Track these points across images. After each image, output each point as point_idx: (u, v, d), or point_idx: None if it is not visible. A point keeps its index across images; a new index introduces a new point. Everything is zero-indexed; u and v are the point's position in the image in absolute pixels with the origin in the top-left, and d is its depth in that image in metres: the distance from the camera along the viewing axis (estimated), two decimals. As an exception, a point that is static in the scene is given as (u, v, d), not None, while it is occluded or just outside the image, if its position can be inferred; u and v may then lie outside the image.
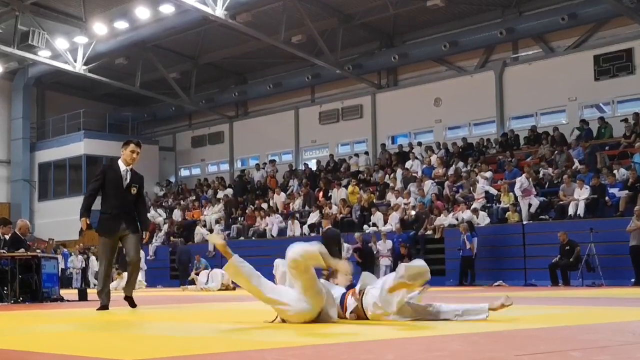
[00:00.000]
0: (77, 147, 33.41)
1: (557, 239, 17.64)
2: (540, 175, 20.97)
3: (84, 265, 27.70)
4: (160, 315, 7.81)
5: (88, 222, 8.79)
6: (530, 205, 19.31)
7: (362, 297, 5.74)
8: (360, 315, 5.68)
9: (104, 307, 8.69)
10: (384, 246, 20.87)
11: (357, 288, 5.80)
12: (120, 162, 8.93)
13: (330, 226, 19.70)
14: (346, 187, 24.96)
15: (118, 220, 8.79)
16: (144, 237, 9.29)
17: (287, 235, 24.45)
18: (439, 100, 26.93)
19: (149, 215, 30.36)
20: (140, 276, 22.69)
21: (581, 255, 17.26)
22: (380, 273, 20.71)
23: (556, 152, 21.58)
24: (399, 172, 24.66)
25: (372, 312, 5.68)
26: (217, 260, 25.06)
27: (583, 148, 21.26)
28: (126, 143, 9.04)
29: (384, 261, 20.79)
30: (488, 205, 20.81)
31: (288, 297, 5.49)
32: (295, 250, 5.44)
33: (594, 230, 17.23)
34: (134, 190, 8.93)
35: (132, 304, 8.97)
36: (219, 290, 19.08)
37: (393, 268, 20.48)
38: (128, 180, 8.86)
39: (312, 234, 22.56)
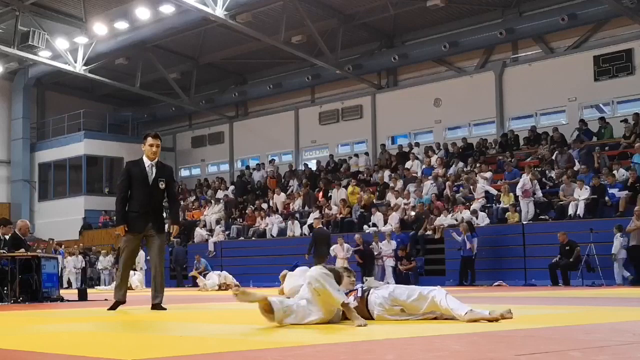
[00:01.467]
0: (77, 147, 33.44)
1: (557, 239, 17.66)
2: (545, 177, 20.93)
3: (83, 266, 27.71)
4: (160, 316, 7.81)
5: (127, 228, 8.46)
6: (527, 210, 19.32)
7: (366, 297, 5.81)
8: (362, 314, 5.71)
9: (119, 303, 8.50)
10: (388, 246, 20.81)
11: (360, 290, 5.88)
12: (144, 158, 8.62)
13: (321, 226, 20.00)
14: (346, 187, 24.97)
15: (145, 219, 8.50)
16: (172, 231, 8.91)
17: (287, 235, 24.47)
18: (439, 100, 26.94)
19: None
20: (137, 279, 22.69)
21: (581, 255, 17.27)
22: (385, 274, 20.73)
23: (556, 152, 21.59)
24: (387, 173, 24.72)
25: (377, 313, 5.76)
26: (217, 261, 25.13)
27: (579, 148, 21.27)
28: (144, 137, 8.71)
29: (389, 262, 20.74)
30: (488, 205, 20.82)
31: (309, 311, 5.55)
32: (319, 280, 5.45)
33: (594, 230, 17.24)
34: (161, 185, 8.56)
35: (161, 308, 8.47)
36: (218, 289, 19.12)
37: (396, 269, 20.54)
38: (154, 175, 8.53)
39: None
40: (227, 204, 28.59)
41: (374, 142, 28.77)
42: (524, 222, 19.29)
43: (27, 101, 34.42)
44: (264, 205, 27.01)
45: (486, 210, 20.50)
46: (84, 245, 30.04)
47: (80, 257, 27.80)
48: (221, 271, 20.66)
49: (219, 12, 22.84)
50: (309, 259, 17.71)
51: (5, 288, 11.40)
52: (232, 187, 30.42)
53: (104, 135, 34.01)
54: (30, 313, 8.86)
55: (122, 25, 26.37)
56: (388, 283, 6.37)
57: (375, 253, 20.92)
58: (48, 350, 4.33)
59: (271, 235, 25.03)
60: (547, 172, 21.13)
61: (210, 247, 26.30)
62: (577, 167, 20.44)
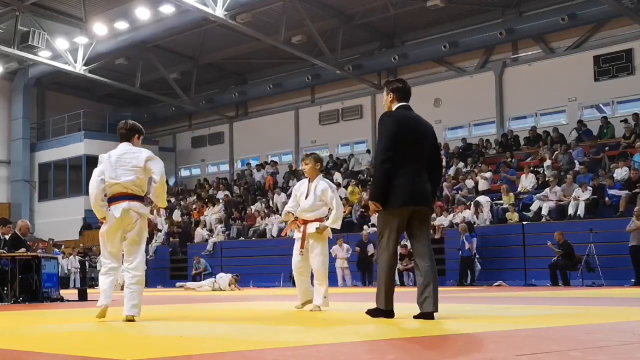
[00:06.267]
0: (77, 147, 33.43)
1: (556, 239, 17.68)
2: (549, 177, 20.93)
3: (78, 266, 27.61)
4: (160, 315, 7.81)
5: None
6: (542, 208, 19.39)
7: None
8: None
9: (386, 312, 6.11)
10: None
11: None
12: None
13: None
14: (346, 187, 24.96)
15: None
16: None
17: (287, 235, 24.43)
18: (439, 100, 26.94)
19: (150, 217, 30.36)
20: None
21: (581, 255, 17.28)
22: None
23: (557, 152, 21.59)
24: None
25: None
26: (217, 260, 25.13)
27: (587, 149, 21.31)
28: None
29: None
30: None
31: None
32: None
33: (594, 230, 17.25)
34: None
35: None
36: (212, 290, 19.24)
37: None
38: None
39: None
40: (227, 204, 28.60)
41: (374, 142, 28.73)
42: (524, 222, 19.30)
43: (27, 101, 34.41)
44: (264, 205, 27.00)
45: (482, 211, 20.46)
46: (84, 246, 30.00)
47: (73, 257, 27.67)
48: (225, 273, 20.72)
49: (219, 12, 22.83)
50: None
51: (5, 288, 11.41)
52: (235, 188, 30.46)
53: (104, 135, 33.96)
54: (30, 313, 8.86)
55: (122, 25, 26.36)
56: None
57: (369, 253, 21.03)
58: (48, 350, 4.33)
59: (271, 235, 25.02)
60: (548, 171, 21.14)
61: (210, 247, 26.27)
62: (576, 167, 20.46)
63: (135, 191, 6.55)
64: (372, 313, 6.08)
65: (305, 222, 7.95)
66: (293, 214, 8.08)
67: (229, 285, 19.27)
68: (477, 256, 19.28)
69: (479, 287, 18.12)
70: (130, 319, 6.40)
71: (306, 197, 8.00)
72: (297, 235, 8.04)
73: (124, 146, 6.78)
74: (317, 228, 7.83)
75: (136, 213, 6.51)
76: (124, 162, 6.63)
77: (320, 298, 7.79)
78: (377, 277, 6.17)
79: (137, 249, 6.55)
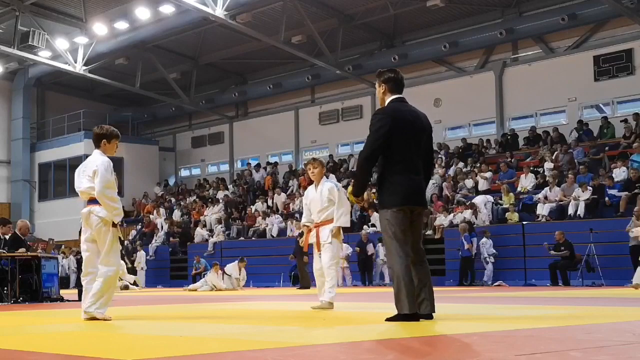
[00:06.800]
0: (77, 147, 33.39)
1: (557, 239, 17.68)
2: (549, 177, 20.94)
3: (76, 266, 27.57)
4: (161, 315, 7.81)
5: None
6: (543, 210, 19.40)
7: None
8: None
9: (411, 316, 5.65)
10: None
11: None
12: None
13: None
14: (346, 187, 24.92)
15: None
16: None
17: (287, 235, 24.47)
18: (439, 100, 26.94)
19: (151, 217, 30.31)
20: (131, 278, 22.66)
21: (581, 255, 17.27)
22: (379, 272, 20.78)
23: (557, 152, 21.59)
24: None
25: None
26: (217, 260, 25.07)
27: (587, 149, 21.31)
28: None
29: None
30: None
31: None
32: None
33: (594, 230, 17.25)
34: None
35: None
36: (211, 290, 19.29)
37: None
38: None
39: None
40: (227, 204, 28.61)
41: (373, 142, 28.74)
42: (524, 222, 19.30)
43: (27, 101, 34.41)
44: (264, 205, 27.00)
45: (479, 212, 20.46)
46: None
47: (73, 257, 27.64)
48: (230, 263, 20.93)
49: (219, 12, 22.83)
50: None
51: (5, 288, 11.41)
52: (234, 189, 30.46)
53: (104, 135, 33.95)
54: (30, 313, 8.86)
55: (122, 25, 26.36)
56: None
57: (369, 253, 21.06)
58: (48, 350, 4.33)
59: (271, 235, 25.02)
60: (547, 171, 21.15)
61: (210, 247, 26.28)
62: (577, 167, 20.46)
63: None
64: (394, 319, 5.63)
65: (318, 226, 8.14)
66: (308, 225, 8.31)
67: (239, 271, 19.76)
68: (486, 255, 19.19)
69: (479, 287, 18.12)
70: (90, 318, 6.63)
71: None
72: (313, 239, 8.28)
73: (93, 155, 7.12)
74: (327, 240, 8.06)
75: (96, 217, 6.76)
76: (85, 171, 7.04)
77: (326, 294, 7.93)
78: (393, 281, 5.69)
79: (107, 251, 6.77)
